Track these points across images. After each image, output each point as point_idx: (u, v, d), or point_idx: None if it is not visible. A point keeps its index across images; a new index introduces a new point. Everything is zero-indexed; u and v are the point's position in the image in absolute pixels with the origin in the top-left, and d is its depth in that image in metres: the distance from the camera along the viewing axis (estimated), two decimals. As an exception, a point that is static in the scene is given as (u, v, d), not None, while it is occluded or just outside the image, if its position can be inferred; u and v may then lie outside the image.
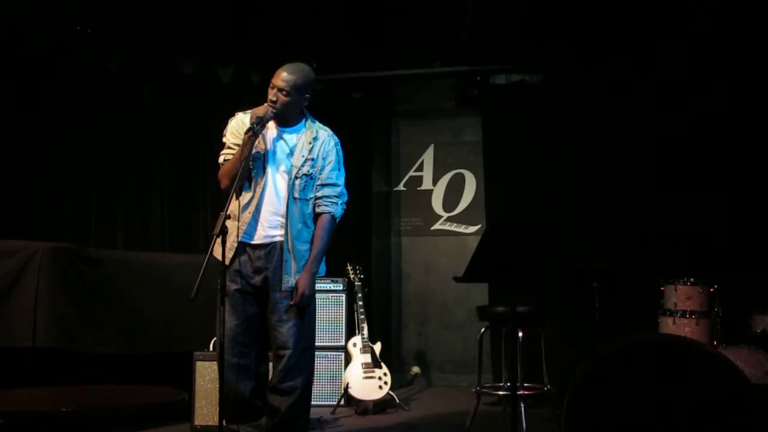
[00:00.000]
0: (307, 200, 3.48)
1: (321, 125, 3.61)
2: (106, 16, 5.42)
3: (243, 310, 3.42)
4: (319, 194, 3.51)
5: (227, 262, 3.37)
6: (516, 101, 6.03)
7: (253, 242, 3.43)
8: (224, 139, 3.57)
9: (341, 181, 3.58)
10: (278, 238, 3.42)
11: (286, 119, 3.49)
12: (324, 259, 3.56)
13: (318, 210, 3.51)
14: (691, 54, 5.58)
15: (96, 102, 5.46)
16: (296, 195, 3.44)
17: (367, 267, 6.11)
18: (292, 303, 3.37)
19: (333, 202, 3.52)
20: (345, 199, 3.59)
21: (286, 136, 3.52)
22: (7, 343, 4.00)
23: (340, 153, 3.60)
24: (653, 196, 5.61)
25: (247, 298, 3.43)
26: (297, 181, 3.45)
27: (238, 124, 3.51)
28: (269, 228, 3.43)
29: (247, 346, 3.41)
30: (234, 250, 3.40)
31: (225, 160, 3.50)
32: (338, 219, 3.56)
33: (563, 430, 2.60)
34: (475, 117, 6.39)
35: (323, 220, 3.49)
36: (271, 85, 3.43)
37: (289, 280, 3.39)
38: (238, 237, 3.39)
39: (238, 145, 3.43)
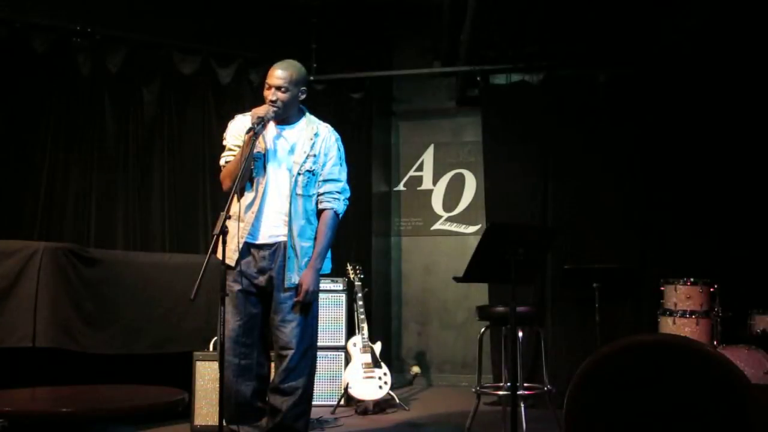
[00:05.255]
0: (310, 196, 3.48)
1: (320, 121, 3.61)
2: (106, 16, 5.42)
3: (245, 311, 3.41)
4: (321, 190, 3.51)
5: (233, 264, 3.37)
6: (516, 101, 6.03)
7: (257, 242, 3.43)
8: (224, 142, 3.56)
9: (343, 176, 3.59)
10: (282, 238, 3.42)
11: (286, 116, 3.49)
12: (330, 256, 3.57)
13: (321, 206, 3.51)
14: (690, 54, 5.59)
15: (96, 102, 5.46)
16: (299, 191, 3.44)
17: (367, 267, 6.11)
18: (296, 299, 3.37)
19: (335, 198, 3.52)
20: (347, 194, 3.59)
21: (286, 133, 3.52)
22: (7, 343, 3.99)
23: (342, 149, 3.61)
24: (653, 196, 5.62)
25: (250, 298, 3.43)
26: (300, 178, 3.44)
27: (238, 126, 3.51)
28: (273, 227, 3.42)
29: (248, 346, 3.41)
30: (239, 252, 3.39)
31: (226, 162, 3.50)
32: (341, 215, 3.56)
33: (563, 430, 2.60)
34: (475, 117, 6.39)
35: (326, 216, 3.50)
36: (267, 86, 3.43)
37: (292, 277, 3.39)
38: (242, 238, 3.39)
39: (238, 146, 3.43)
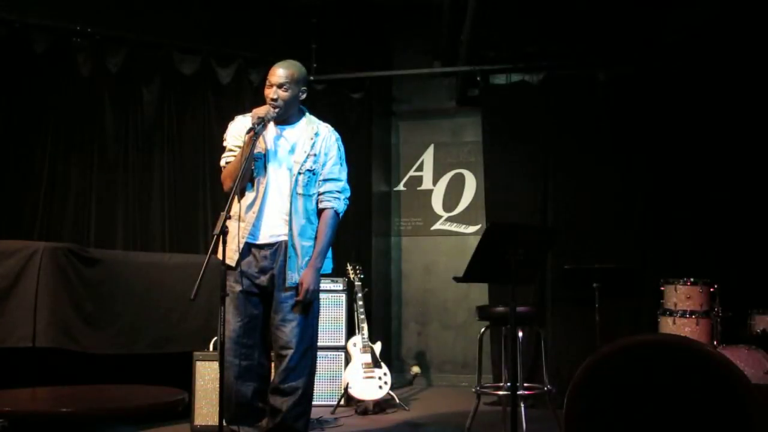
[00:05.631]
0: (310, 196, 3.48)
1: (320, 121, 3.62)
2: (106, 16, 5.42)
3: (246, 312, 3.41)
4: (321, 189, 3.51)
5: (233, 264, 3.37)
6: (516, 101, 6.03)
7: (258, 242, 3.42)
8: (224, 143, 3.56)
9: (343, 176, 3.59)
10: (283, 237, 3.42)
11: (287, 116, 3.49)
12: (331, 255, 3.57)
13: (321, 206, 3.51)
14: (690, 53, 5.59)
15: (96, 102, 5.46)
16: (299, 191, 3.44)
17: (367, 267, 6.11)
18: (296, 299, 3.37)
19: (335, 197, 3.52)
20: (348, 194, 3.60)
21: (286, 133, 3.52)
22: (7, 343, 3.99)
23: (342, 148, 3.61)
24: (653, 196, 5.62)
25: (251, 299, 3.42)
26: (300, 177, 3.45)
27: (238, 127, 3.51)
28: (274, 227, 3.42)
29: (249, 347, 3.40)
30: (240, 252, 3.38)
31: (227, 163, 3.50)
32: (341, 214, 3.56)
33: (563, 430, 2.60)
34: (475, 117, 6.39)
35: (326, 216, 3.50)
36: (268, 84, 3.43)
37: (293, 276, 3.38)
38: (243, 238, 3.39)
39: (239, 146, 3.43)
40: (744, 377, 2.38)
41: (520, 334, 4.24)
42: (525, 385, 4.70)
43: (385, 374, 5.13)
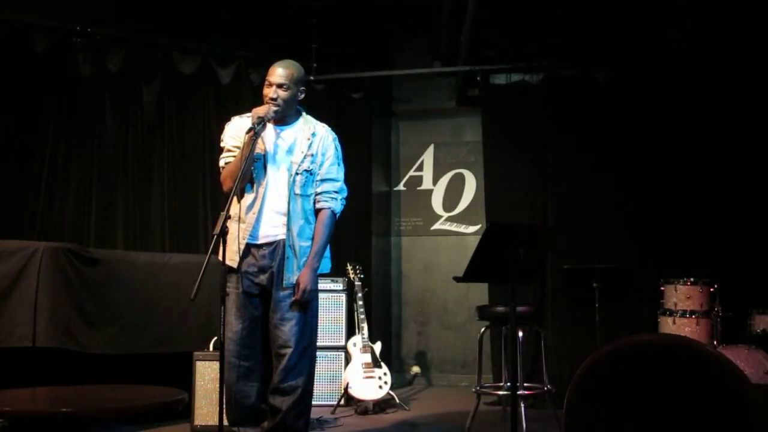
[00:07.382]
0: (308, 196, 3.48)
1: (317, 121, 3.62)
2: (106, 16, 5.42)
3: (248, 313, 3.41)
4: (318, 190, 3.51)
5: (235, 266, 3.37)
6: (516, 101, 6.03)
7: (257, 242, 3.43)
8: (222, 144, 3.56)
9: (341, 176, 3.59)
10: (281, 236, 3.42)
11: (285, 116, 3.49)
12: (329, 255, 3.57)
13: (318, 206, 3.51)
14: (690, 53, 5.59)
15: (96, 102, 5.46)
16: (297, 191, 3.44)
17: (367, 267, 6.11)
18: (294, 298, 3.37)
19: (333, 198, 3.52)
20: (345, 194, 3.59)
21: (283, 134, 3.52)
22: (7, 343, 3.99)
23: (339, 148, 3.61)
24: (653, 196, 5.62)
25: (252, 300, 3.43)
26: (298, 177, 3.45)
27: (237, 128, 3.51)
28: (272, 227, 3.42)
29: (252, 348, 3.41)
30: (240, 252, 3.38)
31: (226, 163, 3.50)
32: (338, 214, 3.57)
33: (563, 430, 2.60)
34: (475, 117, 6.39)
35: (323, 216, 3.50)
36: (267, 83, 3.43)
37: (291, 276, 3.38)
38: (244, 240, 3.39)
39: (237, 147, 3.43)
40: (744, 377, 2.38)
41: (520, 334, 4.24)
42: (525, 385, 4.70)
43: (385, 374, 5.13)
